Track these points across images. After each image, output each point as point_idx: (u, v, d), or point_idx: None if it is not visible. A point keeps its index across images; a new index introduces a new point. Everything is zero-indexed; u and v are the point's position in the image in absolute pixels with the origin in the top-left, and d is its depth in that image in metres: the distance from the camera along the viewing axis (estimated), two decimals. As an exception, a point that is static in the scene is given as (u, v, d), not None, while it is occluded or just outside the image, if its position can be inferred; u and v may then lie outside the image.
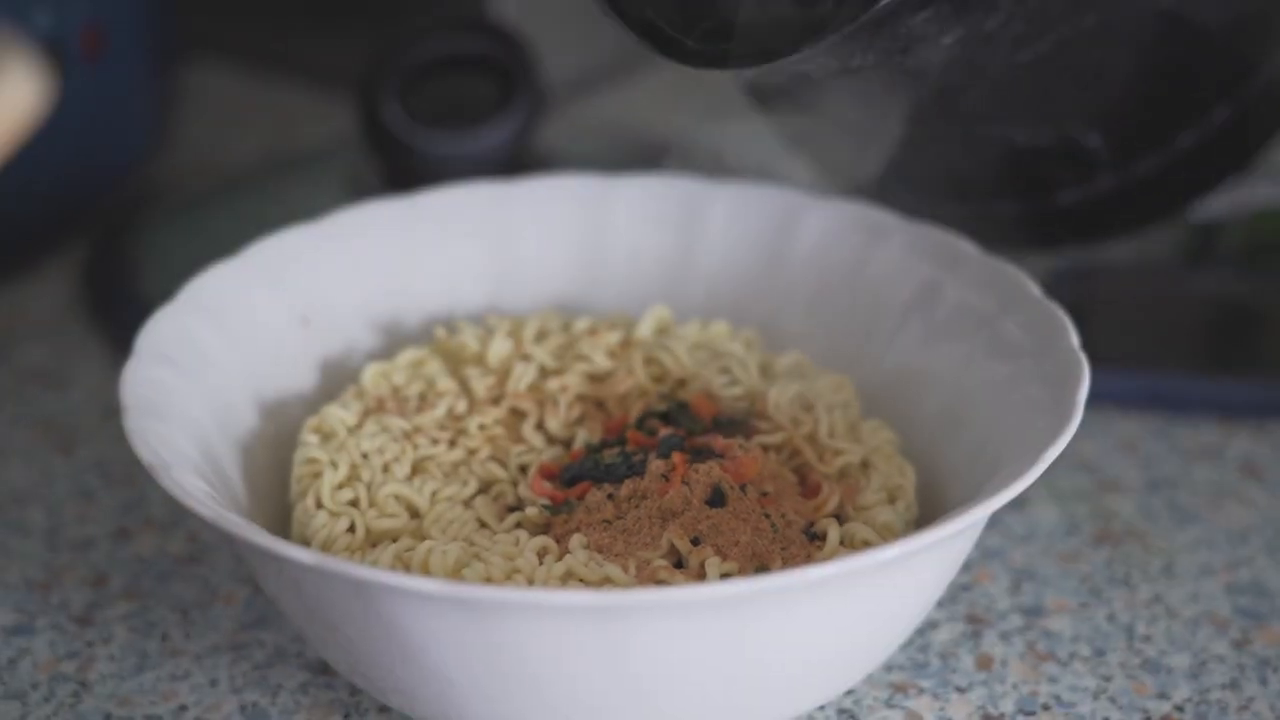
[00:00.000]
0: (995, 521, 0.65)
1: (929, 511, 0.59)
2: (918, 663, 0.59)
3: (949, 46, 0.59)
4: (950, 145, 0.68)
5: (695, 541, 0.55)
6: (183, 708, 0.58)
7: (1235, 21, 0.68)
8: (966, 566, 0.63)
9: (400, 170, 0.76)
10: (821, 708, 0.57)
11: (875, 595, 0.52)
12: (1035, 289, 0.60)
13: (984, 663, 0.60)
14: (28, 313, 0.78)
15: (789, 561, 0.55)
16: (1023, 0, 0.59)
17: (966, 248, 0.63)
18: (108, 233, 0.81)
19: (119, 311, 0.76)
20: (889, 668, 0.59)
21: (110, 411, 0.71)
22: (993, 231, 0.69)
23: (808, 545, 0.56)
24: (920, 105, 0.65)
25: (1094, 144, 0.68)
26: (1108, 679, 0.59)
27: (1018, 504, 0.66)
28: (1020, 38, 0.61)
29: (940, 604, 0.61)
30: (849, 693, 0.58)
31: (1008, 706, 0.58)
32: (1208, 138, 0.69)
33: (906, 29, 0.57)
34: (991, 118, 0.66)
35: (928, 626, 0.61)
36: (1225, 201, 0.77)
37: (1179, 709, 0.58)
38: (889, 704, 0.58)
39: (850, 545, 0.56)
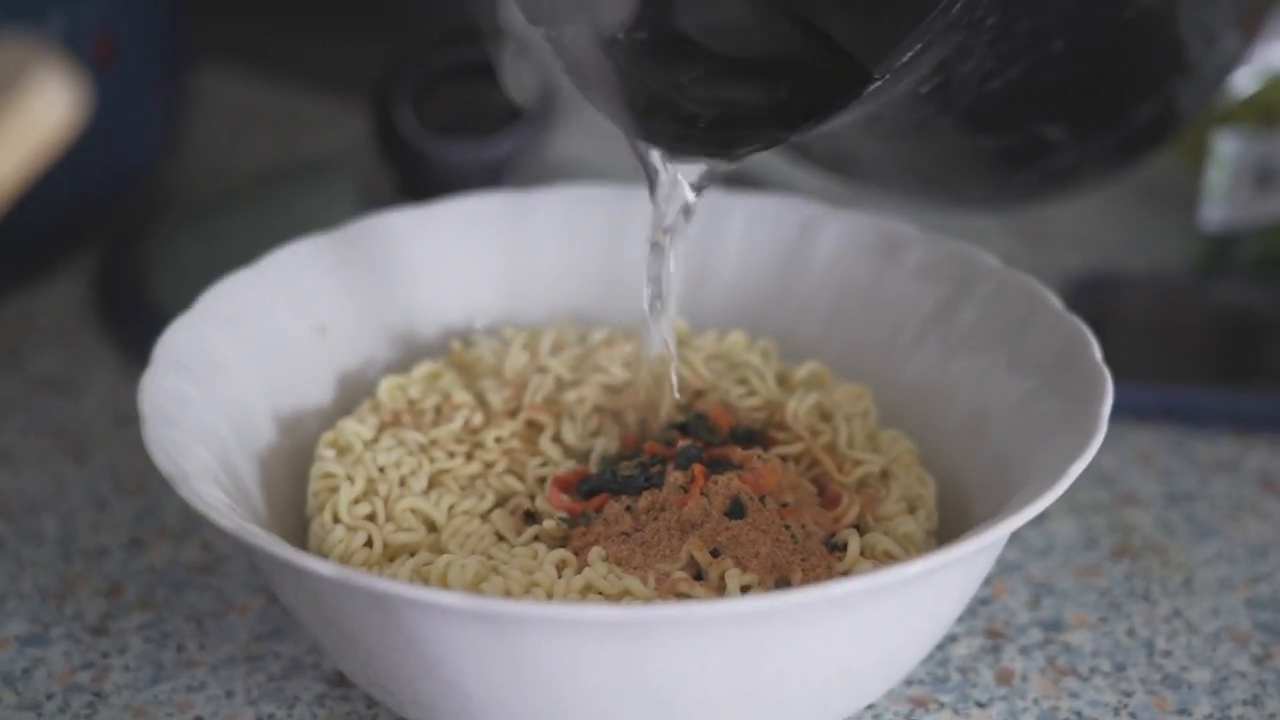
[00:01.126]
0: (1014, 535, 0.64)
1: (949, 525, 0.59)
2: (937, 677, 0.59)
3: (923, 94, 0.59)
4: (920, 156, 0.69)
5: (715, 553, 0.55)
6: (199, 719, 0.58)
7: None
8: (985, 580, 0.63)
9: (413, 178, 0.75)
10: (841, 722, 0.57)
11: (898, 610, 0.52)
12: (1057, 302, 0.60)
13: (1004, 677, 0.59)
14: (39, 320, 0.78)
15: (809, 573, 0.55)
16: (994, 44, 0.59)
17: (987, 260, 0.62)
18: (119, 239, 0.80)
19: (130, 318, 0.76)
20: (909, 682, 0.59)
21: (122, 419, 0.71)
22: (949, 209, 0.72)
23: (828, 556, 0.56)
24: (891, 134, 0.66)
25: (1056, 136, 0.68)
26: (1129, 694, 0.59)
27: (1036, 518, 0.65)
28: (991, 72, 0.61)
29: (959, 618, 0.61)
30: (869, 707, 0.58)
31: (1028, 722, 0.58)
32: (1161, 107, 0.69)
33: (888, 97, 0.57)
34: (960, 132, 0.66)
35: (947, 641, 0.60)
36: (1241, 215, 0.76)
37: (1200, 725, 0.58)
38: (909, 719, 0.58)
39: (871, 556, 0.56)
